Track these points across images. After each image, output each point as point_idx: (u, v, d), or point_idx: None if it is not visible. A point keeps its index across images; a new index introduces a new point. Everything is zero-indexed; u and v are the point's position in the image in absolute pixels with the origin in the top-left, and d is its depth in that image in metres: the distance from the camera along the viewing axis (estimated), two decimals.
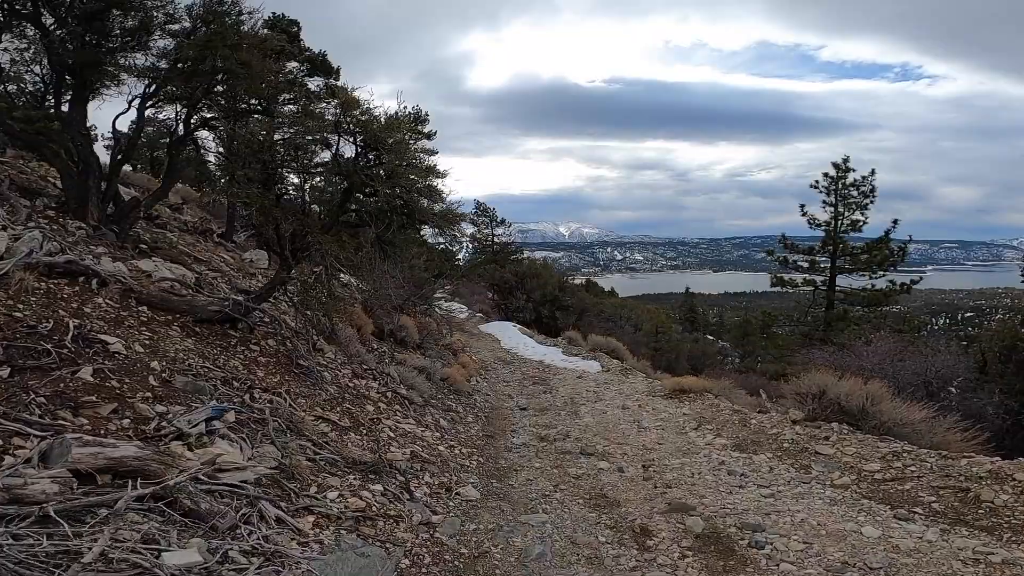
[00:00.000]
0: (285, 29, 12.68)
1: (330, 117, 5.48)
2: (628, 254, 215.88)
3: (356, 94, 5.37)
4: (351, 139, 5.51)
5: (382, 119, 5.45)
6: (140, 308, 4.47)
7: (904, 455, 4.38)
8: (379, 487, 3.58)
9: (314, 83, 12.39)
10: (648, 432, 6.10)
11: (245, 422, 3.35)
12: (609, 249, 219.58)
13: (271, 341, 5.04)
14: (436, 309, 12.37)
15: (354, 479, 3.50)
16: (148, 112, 7.43)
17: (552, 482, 4.56)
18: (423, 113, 18.65)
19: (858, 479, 4.27)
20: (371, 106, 5.40)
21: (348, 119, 5.12)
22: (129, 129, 7.69)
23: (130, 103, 6.92)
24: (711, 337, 44.98)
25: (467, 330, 17.42)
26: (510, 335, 16.91)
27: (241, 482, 2.74)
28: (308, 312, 4.92)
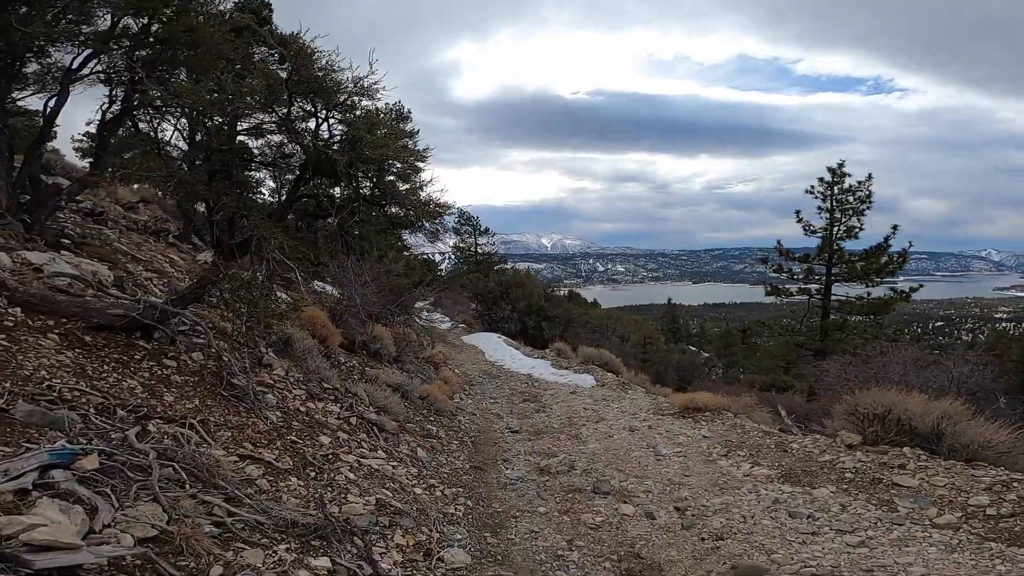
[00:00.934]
0: (255, 11, 11.60)
1: (282, 74, 4.44)
2: (610, 266, 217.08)
3: (314, 44, 4.32)
4: (308, 103, 4.47)
5: (349, 82, 4.42)
6: (12, 310, 3.31)
7: (1016, 485, 3.47)
8: (325, 561, 2.48)
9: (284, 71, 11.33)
10: (669, 461, 5.09)
11: (116, 470, 2.23)
12: (591, 261, 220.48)
13: (197, 355, 3.90)
14: (416, 319, 11.27)
15: (287, 550, 2.40)
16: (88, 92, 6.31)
17: (564, 535, 3.51)
18: (405, 110, 17.63)
19: (965, 516, 3.34)
20: (333, 61, 4.38)
21: (301, 73, 4.07)
22: (46, 107, 6.51)
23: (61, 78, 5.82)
24: (693, 348, 44.62)
25: (450, 341, 16.35)
26: (495, 347, 15.83)
27: (73, 568, 1.64)
28: (237, 318, 3.81)
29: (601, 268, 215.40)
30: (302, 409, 4.13)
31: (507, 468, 5.04)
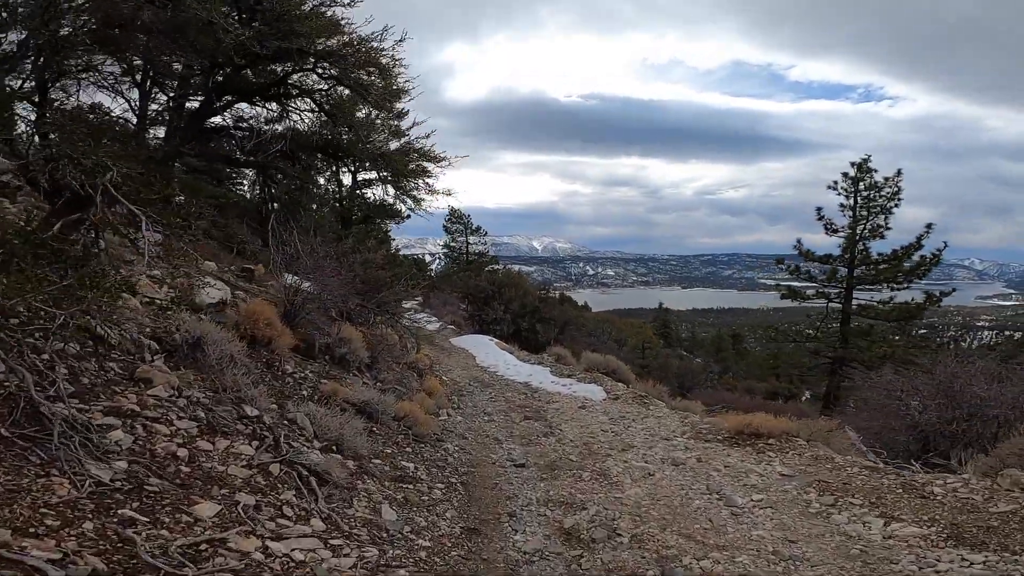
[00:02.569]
0: None
1: None
2: (600, 269, 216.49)
3: None
4: None
5: None
6: None
7: None
8: None
9: None
10: (752, 516, 3.52)
11: None
12: (582, 264, 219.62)
13: None
14: (400, 319, 9.61)
15: None
16: None
17: None
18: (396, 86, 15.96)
19: None
20: None
21: None
22: None
23: None
24: (685, 353, 43.44)
25: (437, 344, 14.72)
26: (487, 350, 14.21)
27: None
28: (22, 291, 2.16)
29: (591, 272, 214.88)
30: (182, 454, 2.48)
31: (516, 531, 3.43)
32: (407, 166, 5.14)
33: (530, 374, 11.13)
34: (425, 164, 6.17)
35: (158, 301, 5.14)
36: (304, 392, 4.50)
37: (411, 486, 3.74)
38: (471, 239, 33.74)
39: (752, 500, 3.77)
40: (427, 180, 6.24)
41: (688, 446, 5.39)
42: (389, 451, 4.28)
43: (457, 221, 33.80)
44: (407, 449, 4.53)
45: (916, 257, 14.56)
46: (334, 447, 3.57)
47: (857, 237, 15.30)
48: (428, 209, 6.91)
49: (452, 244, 33.64)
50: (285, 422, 3.50)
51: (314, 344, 5.85)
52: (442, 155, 6.06)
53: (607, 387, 9.76)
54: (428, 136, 5.53)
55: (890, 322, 14.70)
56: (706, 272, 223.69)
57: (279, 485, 2.69)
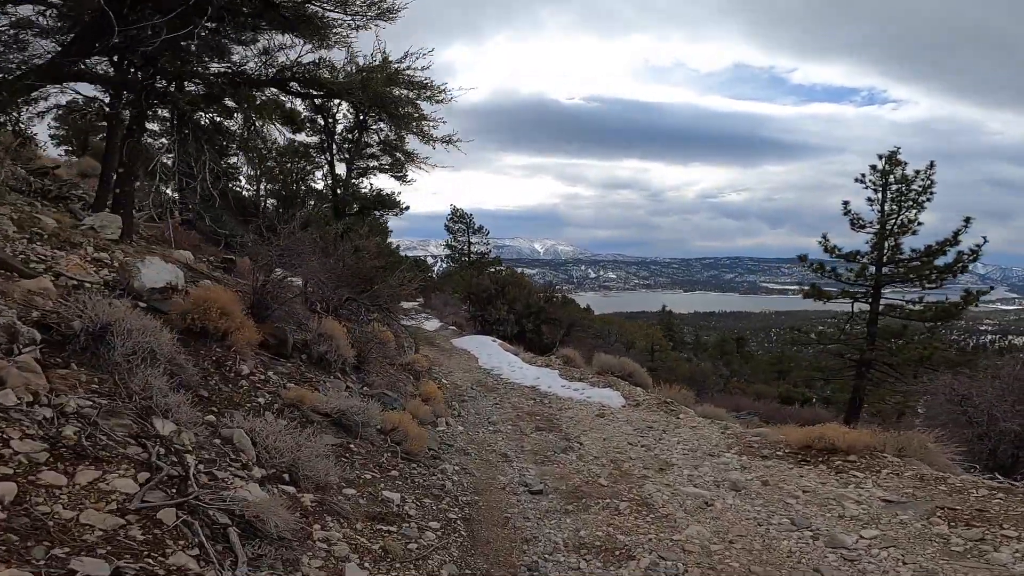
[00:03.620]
0: None
1: None
2: (602, 272, 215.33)
3: None
4: None
5: None
6: None
7: None
8: None
9: None
10: (875, 562, 2.51)
11: None
12: (583, 267, 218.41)
13: None
14: (394, 317, 8.59)
15: None
16: None
17: None
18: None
19: None
20: None
21: None
22: None
23: None
24: (693, 356, 42.39)
25: (438, 344, 13.76)
26: (490, 352, 13.21)
27: None
28: None
29: (593, 275, 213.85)
30: (4, 491, 1.47)
31: None
32: (391, 92, 4.17)
33: (537, 377, 10.14)
34: (418, 98, 5.16)
35: (88, 285, 4.17)
36: (261, 399, 3.49)
37: (394, 528, 2.72)
38: (473, 239, 32.81)
39: (863, 538, 2.76)
40: (423, 124, 5.25)
41: (744, 464, 4.36)
42: (369, 476, 3.27)
43: (459, 220, 32.87)
44: (393, 472, 3.52)
45: (959, 253, 13.49)
46: (285, 475, 2.56)
47: (886, 232, 14.28)
48: (434, 145, 5.80)
49: (454, 244, 32.72)
50: (216, 442, 2.49)
51: (286, 340, 4.85)
52: (441, 87, 5.05)
53: (625, 392, 8.75)
54: (422, 58, 4.43)
55: (925, 323, 13.65)
56: (708, 275, 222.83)
57: (170, 542, 1.67)
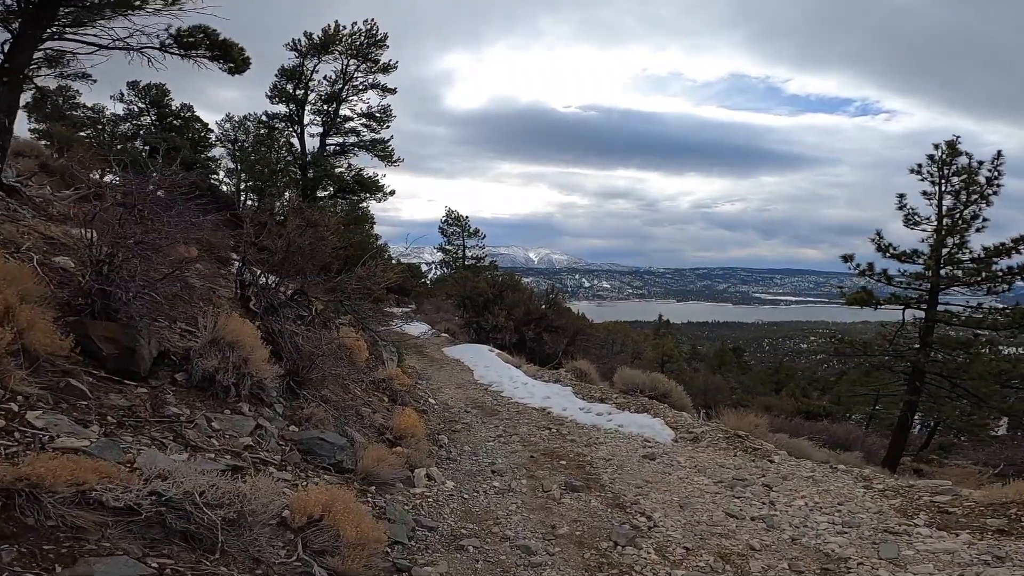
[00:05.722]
0: None
1: None
2: (596, 282, 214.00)
3: None
4: None
5: None
6: None
7: None
8: None
9: None
10: None
11: None
12: (577, 276, 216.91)
13: None
14: (364, 318, 6.38)
15: None
16: None
17: None
18: (379, 34, 12.78)
19: None
20: None
21: None
22: None
23: None
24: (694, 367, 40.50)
25: (428, 354, 11.73)
26: (487, 363, 11.11)
27: None
28: None
29: (587, 284, 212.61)
30: None
31: None
32: None
33: (547, 397, 8.04)
34: None
35: None
36: None
37: None
38: (468, 242, 30.86)
39: None
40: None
41: (985, 551, 2.27)
42: None
43: (454, 223, 30.92)
44: None
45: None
46: None
47: (944, 229, 12.37)
48: None
49: (448, 247, 30.78)
50: None
51: (135, 351, 2.71)
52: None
53: (669, 420, 6.63)
54: None
55: (997, 331, 11.73)
56: (701, 285, 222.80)
57: None
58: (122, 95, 17.73)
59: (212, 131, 17.81)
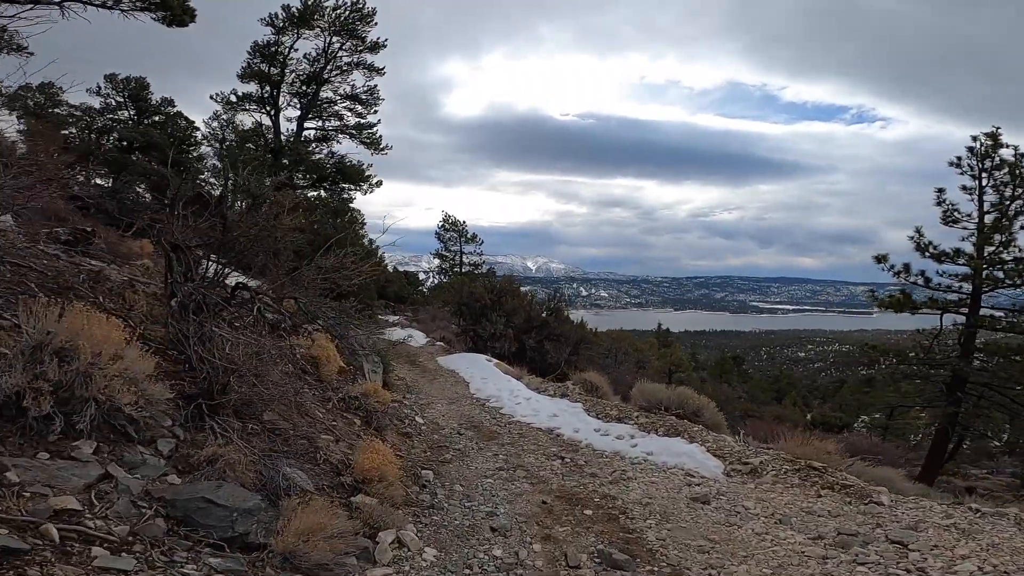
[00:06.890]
0: None
1: None
2: (593, 290, 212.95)
3: None
4: None
5: None
6: None
7: None
8: None
9: None
10: None
11: None
12: (575, 285, 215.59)
13: None
14: (326, 318, 5.08)
15: None
16: None
17: None
18: (367, 8, 11.60)
19: None
20: None
21: None
22: None
23: None
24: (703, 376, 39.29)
25: (420, 364, 10.51)
26: (484, 374, 9.81)
27: None
28: None
29: (585, 293, 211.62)
30: None
31: None
32: None
33: (554, 414, 6.75)
34: None
35: None
36: None
37: None
38: (466, 248, 29.70)
39: None
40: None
41: None
42: None
43: (451, 228, 29.79)
44: None
45: None
46: None
47: (988, 227, 11.26)
48: None
49: (445, 253, 29.64)
50: None
51: None
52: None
53: (710, 446, 5.36)
54: None
55: None
56: (699, 294, 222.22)
57: None
58: (99, 88, 16.66)
59: (198, 129, 16.76)
